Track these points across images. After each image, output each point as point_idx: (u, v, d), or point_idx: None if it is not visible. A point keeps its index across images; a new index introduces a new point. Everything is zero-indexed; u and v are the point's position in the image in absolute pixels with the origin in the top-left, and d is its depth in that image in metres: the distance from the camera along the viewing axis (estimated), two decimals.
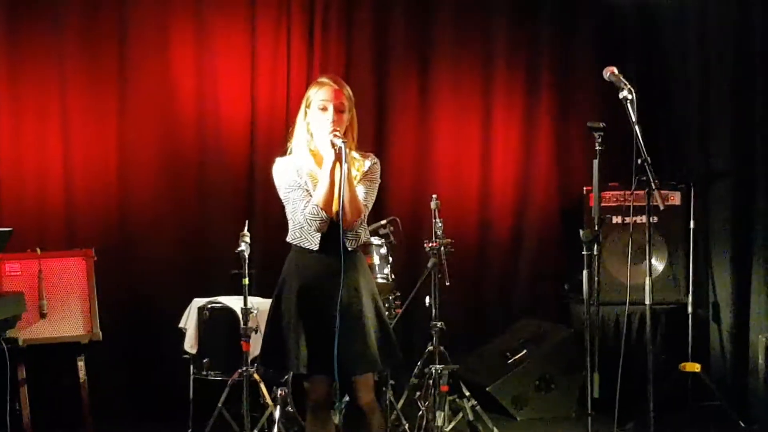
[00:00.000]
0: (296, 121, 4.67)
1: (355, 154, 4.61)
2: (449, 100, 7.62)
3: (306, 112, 4.60)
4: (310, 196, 4.49)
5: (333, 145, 4.39)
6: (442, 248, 6.06)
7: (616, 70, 4.84)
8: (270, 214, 6.87)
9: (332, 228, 4.45)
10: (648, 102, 6.92)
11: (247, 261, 5.51)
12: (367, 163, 4.62)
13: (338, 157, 4.36)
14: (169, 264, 7.11)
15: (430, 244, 6.07)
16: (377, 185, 4.63)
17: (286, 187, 4.55)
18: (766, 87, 6.62)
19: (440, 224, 6.09)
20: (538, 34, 7.73)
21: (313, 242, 4.51)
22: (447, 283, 6.03)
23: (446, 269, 6.04)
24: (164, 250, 7.11)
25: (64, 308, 6.17)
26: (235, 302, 6.10)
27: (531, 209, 7.76)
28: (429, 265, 6.05)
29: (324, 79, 4.60)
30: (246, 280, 5.58)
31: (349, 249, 4.52)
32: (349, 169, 4.41)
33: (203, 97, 7.19)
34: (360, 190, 4.52)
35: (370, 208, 4.60)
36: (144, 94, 7.08)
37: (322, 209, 4.42)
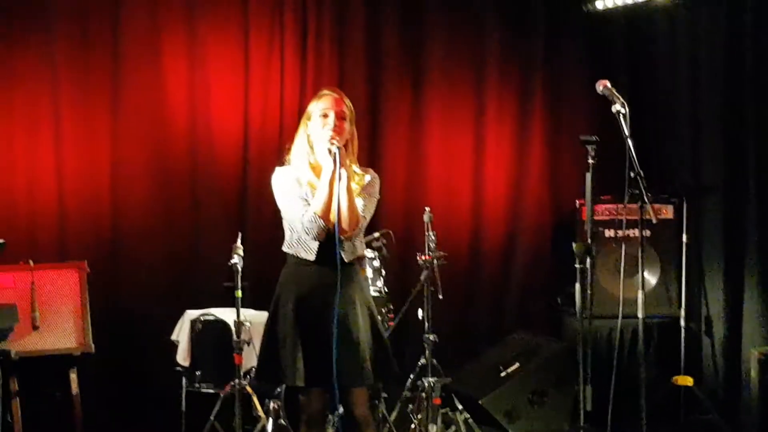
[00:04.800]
0: (296, 134, 4.70)
1: (355, 168, 4.65)
2: (442, 114, 7.65)
3: (306, 125, 4.65)
4: (309, 206, 4.50)
5: (329, 151, 4.41)
6: (435, 261, 6.08)
7: (609, 84, 4.87)
8: (263, 226, 6.92)
9: (329, 240, 4.48)
10: (640, 115, 6.91)
11: (240, 273, 5.51)
12: (367, 177, 4.69)
13: (335, 162, 4.39)
14: (161, 276, 7.11)
15: (423, 257, 6.09)
16: (376, 200, 4.68)
17: (285, 196, 4.58)
18: (757, 100, 6.66)
19: (433, 237, 6.10)
20: (530, 49, 7.76)
21: (310, 252, 4.54)
22: (440, 296, 6.05)
23: (439, 282, 6.06)
24: (157, 262, 7.11)
25: (56, 320, 6.16)
26: (227, 314, 6.12)
27: (523, 222, 7.76)
28: (422, 278, 6.07)
29: (324, 91, 4.67)
30: (239, 293, 5.58)
31: (346, 261, 4.54)
32: (348, 179, 4.45)
33: (196, 109, 7.21)
34: (358, 203, 4.55)
35: (368, 221, 4.64)
36: (136, 106, 7.08)
37: (320, 217, 4.45)
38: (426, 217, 6.15)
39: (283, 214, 4.63)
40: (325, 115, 4.58)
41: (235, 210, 7.29)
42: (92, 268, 6.34)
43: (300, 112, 6.85)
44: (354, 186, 4.58)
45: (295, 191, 4.55)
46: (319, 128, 4.58)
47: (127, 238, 7.10)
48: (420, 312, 6.09)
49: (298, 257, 4.58)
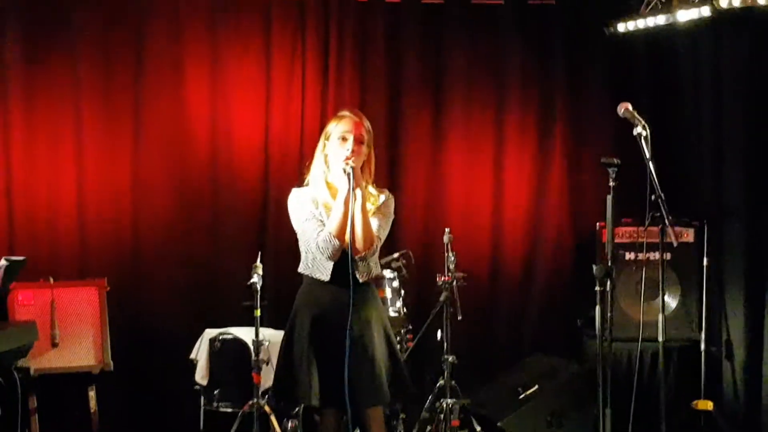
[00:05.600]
0: (315, 153, 4.71)
1: (371, 189, 4.68)
2: (462, 135, 7.63)
3: (324, 145, 4.68)
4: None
5: (344, 171, 4.46)
6: (455, 282, 6.09)
7: (630, 107, 4.86)
8: (282, 246, 6.91)
9: (344, 260, 4.49)
10: (661, 138, 6.89)
11: (259, 293, 5.52)
12: (382, 198, 4.71)
13: (349, 182, 4.43)
14: (181, 295, 7.14)
15: (443, 278, 6.10)
16: (391, 220, 4.70)
17: (301, 217, 4.61)
18: None
19: (453, 258, 6.11)
20: (551, 72, 7.72)
21: (324, 273, 4.56)
22: (459, 318, 6.05)
23: (458, 303, 6.06)
24: (176, 281, 7.14)
25: (75, 338, 6.20)
26: (246, 334, 6.12)
27: (543, 244, 7.71)
28: (441, 298, 6.08)
29: (345, 112, 4.69)
30: (258, 312, 5.60)
31: (360, 281, 4.56)
32: (363, 199, 4.48)
33: (217, 128, 7.25)
34: (373, 222, 4.57)
35: (382, 241, 4.65)
36: (158, 125, 7.14)
37: (335, 237, 4.46)
38: (446, 238, 6.15)
39: (299, 234, 4.67)
40: (344, 138, 4.62)
41: (255, 229, 7.30)
42: (112, 286, 6.40)
43: (320, 131, 6.83)
44: (369, 206, 4.60)
45: (310, 212, 4.58)
46: (336, 149, 4.62)
47: (147, 256, 7.14)
48: (439, 333, 6.10)
49: (313, 277, 4.61)
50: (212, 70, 7.23)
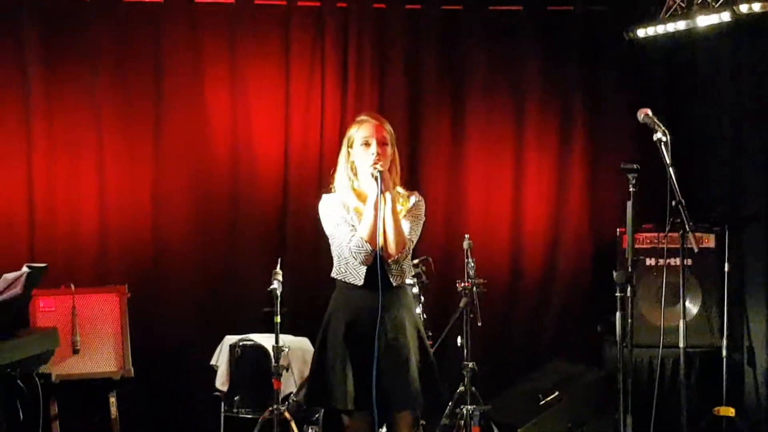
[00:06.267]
0: (338, 162, 4.74)
1: (400, 190, 4.70)
2: (481, 140, 7.63)
3: (349, 153, 4.67)
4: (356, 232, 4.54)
5: (372, 175, 4.47)
6: (475, 288, 6.09)
7: (650, 112, 4.85)
8: (302, 252, 7.02)
9: (377, 264, 4.49)
10: (682, 143, 6.89)
11: (279, 299, 5.53)
12: (413, 200, 4.71)
13: (378, 186, 4.44)
14: (201, 301, 7.18)
15: (463, 284, 6.11)
16: (422, 222, 4.69)
17: (332, 222, 4.62)
18: None
19: (473, 264, 6.12)
20: (570, 76, 7.72)
21: (357, 277, 4.57)
22: (479, 324, 6.05)
23: (478, 309, 6.06)
24: (197, 287, 7.19)
25: (96, 344, 6.22)
26: (266, 340, 6.14)
27: (563, 249, 7.70)
28: (461, 304, 6.08)
29: (363, 117, 4.69)
30: (278, 318, 5.60)
31: (393, 284, 4.57)
32: (393, 202, 4.50)
33: (237, 136, 7.28)
34: (404, 225, 4.57)
35: (414, 243, 4.64)
36: (178, 133, 7.19)
37: (366, 241, 4.46)
38: (465, 244, 6.17)
39: (331, 240, 4.67)
40: (367, 143, 4.61)
41: (275, 235, 7.32)
42: (132, 292, 6.41)
43: (340, 137, 6.83)
44: (399, 208, 4.61)
45: (341, 216, 4.59)
46: (361, 155, 4.61)
47: (167, 262, 7.18)
48: (459, 339, 6.10)
49: (346, 282, 4.62)
50: (232, 78, 7.26)
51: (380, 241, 4.47)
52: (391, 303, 4.54)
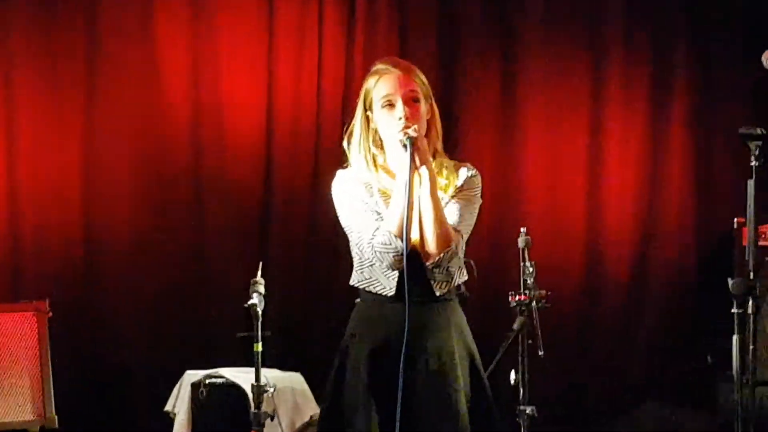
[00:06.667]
0: (351, 130, 4.59)
1: (444, 161, 4.57)
2: (542, 98, 7.66)
3: (368, 117, 4.56)
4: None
5: (402, 143, 4.36)
6: (534, 303, 6.00)
7: None
8: (293, 252, 7.05)
9: (413, 265, 4.37)
10: None
11: (260, 319, 5.46)
12: (463, 174, 4.54)
13: (413, 158, 4.32)
14: (152, 322, 7.20)
15: (518, 298, 6.03)
16: (477, 206, 4.54)
17: (350, 209, 4.50)
18: None
19: (531, 270, 6.03)
20: (667, 16, 7.79)
21: (387, 285, 4.46)
22: (541, 353, 5.95)
23: (539, 332, 5.96)
24: (145, 304, 7.19)
25: (6, 383, 6.20)
26: (243, 377, 6.14)
27: (657, 249, 7.75)
28: (515, 326, 6.01)
29: (382, 66, 4.53)
30: (259, 346, 5.50)
31: (438, 294, 4.48)
32: (433, 178, 4.37)
33: (200, 92, 7.34)
34: (451, 210, 4.46)
35: (466, 236, 4.51)
36: (119, 94, 7.26)
37: (396, 236, 4.38)
38: (521, 242, 6.10)
39: (349, 234, 4.53)
40: (390, 104, 4.47)
41: (254, 231, 7.35)
42: (56, 310, 6.39)
43: (344, 91, 7.16)
44: (443, 182, 4.50)
45: (362, 201, 4.48)
46: (385, 120, 4.48)
47: (104, 267, 7.22)
48: (513, 374, 6.00)
49: (372, 293, 4.51)
50: (193, 13, 7.32)
51: (415, 235, 4.38)
52: (434, 321, 4.46)
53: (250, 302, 5.41)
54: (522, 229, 6.12)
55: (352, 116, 4.54)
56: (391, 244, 4.32)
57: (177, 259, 7.27)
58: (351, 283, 4.53)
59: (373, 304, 4.49)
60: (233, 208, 7.35)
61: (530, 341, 5.98)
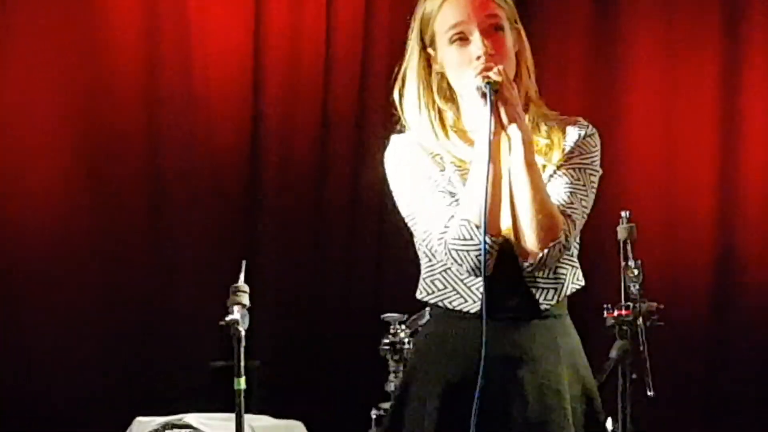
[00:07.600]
0: (405, 74, 4.05)
1: (544, 112, 4.05)
2: (654, 39, 7.32)
3: (428, 57, 4.02)
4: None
5: (479, 91, 3.82)
6: (641, 321, 5.57)
7: None
8: (290, 248, 6.65)
9: (504, 266, 3.81)
10: None
11: (243, 342, 4.62)
12: (573, 133, 4.05)
13: (498, 113, 3.79)
14: (91, 349, 6.90)
15: (616, 313, 5.62)
16: (596, 179, 4.03)
17: (412, 189, 4.05)
18: None
19: (637, 272, 5.61)
20: None
21: (469, 297, 3.98)
22: (650, 393, 5.52)
23: (648, 363, 5.50)
24: (85, 319, 6.96)
25: None
26: (217, 426, 5.70)
27: None
28: (613, 353, 5.60)
29: None
30: (242, 382, 4.75)
31: (542, 308, 3.97)
32: (527, 140, 3.83)
33: (161, 27, 7.15)
34: (557, 186, 3.94)
35: (581, 223, 3.99)
36: (50, 25, 7.02)
37: (478, 227, 3.76)
38: (622, 233, 5.69)
39: (413, 227, 4.09)
40: (462, 38, 3.94)
41: (236, 218, 7.00)
42: None
43: (365, 21, 6.78)
44: (541, 143, 3.99)
45: (430, 179, 4.01)
46: (455, 59, 3.98)
47: (25, 274, 7.01)
48: (610, 424, 5.46)
49: (447, 309, 3.98)
50: None
51: (506, 224, 3.89)
52: (536, 347, 3.91)
53: (228, 318, 4.73)
54: (622, 214, 5.70)
55: (392, 56, 4.35)
56: (471, 238, 3.83)
57: (129, 254, 6.88)
58: (417, 296, 4.09)
59: (448, 325, 3.98)
60: (205, 189, 6.98)
61: (635, 376, 5.55)
